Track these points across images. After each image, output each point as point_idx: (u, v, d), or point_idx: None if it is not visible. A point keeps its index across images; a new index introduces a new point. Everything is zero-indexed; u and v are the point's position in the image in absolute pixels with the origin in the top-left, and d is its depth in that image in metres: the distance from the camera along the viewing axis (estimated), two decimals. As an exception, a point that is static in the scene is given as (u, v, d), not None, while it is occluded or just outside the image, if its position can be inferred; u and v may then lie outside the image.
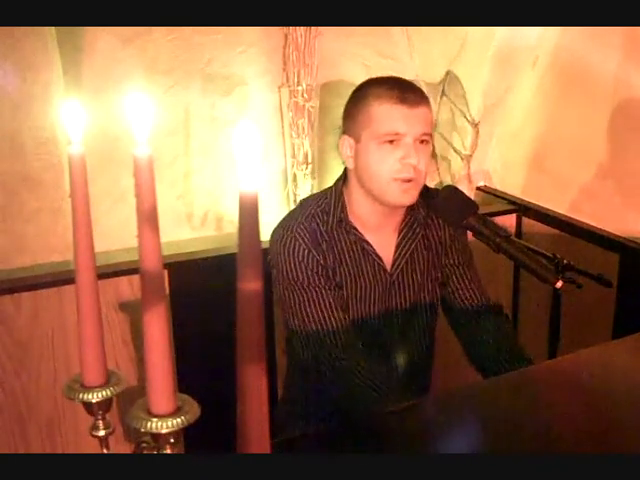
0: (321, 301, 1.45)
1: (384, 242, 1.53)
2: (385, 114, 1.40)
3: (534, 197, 2.32)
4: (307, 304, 1.45)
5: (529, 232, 2.29)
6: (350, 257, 1.50)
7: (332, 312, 1.45)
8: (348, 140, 1.46)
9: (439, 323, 1.66)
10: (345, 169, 1.53)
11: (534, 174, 2.34)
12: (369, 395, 1.37)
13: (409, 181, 1.41)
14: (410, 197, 1.44)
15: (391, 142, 1.40)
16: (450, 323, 1.65)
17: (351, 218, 1.50)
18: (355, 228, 1.50)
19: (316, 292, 1.45)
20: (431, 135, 1.45)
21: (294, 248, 1.45)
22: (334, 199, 1.50)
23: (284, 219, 1.52)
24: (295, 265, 1.45)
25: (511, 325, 1.62)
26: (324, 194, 1.54)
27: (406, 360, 1.60)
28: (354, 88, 1.50)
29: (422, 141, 1.42)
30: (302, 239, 1.45)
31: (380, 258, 1.52)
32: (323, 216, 1.49)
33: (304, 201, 1.58)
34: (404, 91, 1.40)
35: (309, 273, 1.45)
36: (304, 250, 1.45)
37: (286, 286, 1.47)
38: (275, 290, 1.52)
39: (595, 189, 2.10)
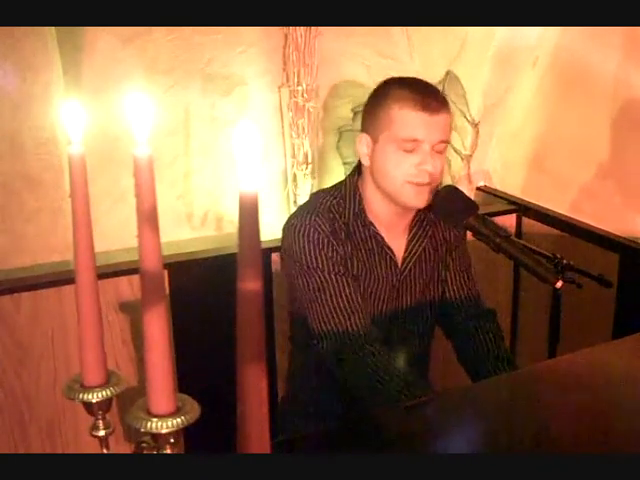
0: (341, 288, 1.44)
1: (396, 239, 1.54)
2: (405, 119, 1.40)
3: (534, 197, 2.32)
4: (326, 291, 1.44)
5: (529, 232, 2.29)
6: (365, 250, 1.50)
7: (352, 299, 1.45)
8: (366, 138, 1.47)
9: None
10: (359, 164, 1.53)
11: (534, 174, 2.34)
12: (392, 383, 1.36)
13: (424, 185, 1.42)
14: (424, 200, 1.45)
15: (409, 147, 1.40)
16: (442, 324, 1.66)
17: (367, 212, 1.51)
18: (371, 222, 1.51)
19: (336, 279, 1.45)
20: (448, 141, 1.45)
21: (314, 236, 1.45)
22: (349, 193, 1.51)
23: (299, 210, 1.52)
24: (315, 253, 1.44)
25: (501, 332, 1.63)
26: (337, 188, 1.54)
27: (406, 358, 1.60)
28: (375, 86, 1.50)
29: (439, 147, 1.42)
30: (321, 228, 1.45)
31: (393, 252, 1.53)
32: (339, 208, 1.49)
33: (316, 194, 1.58)
34: (426, 96, 1.40)
35: (329, 261, 1.45)
36: (324, 239, 1.45)
37: (304, 274, 1.46)
38: (288, 281, 1.52)
39: (595, 189, 2.10)
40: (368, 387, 1.40)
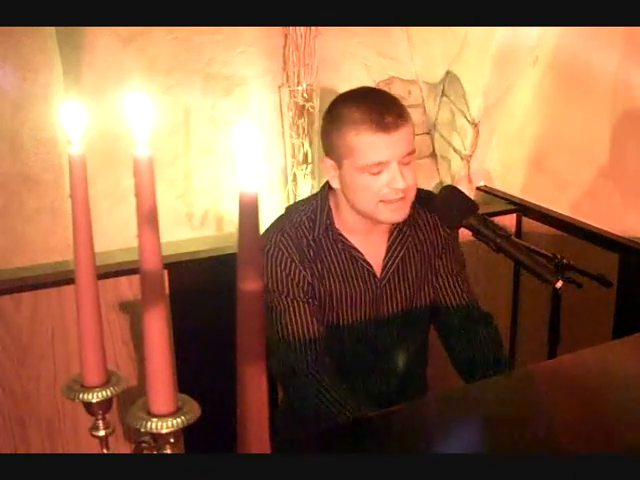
0: (298, 314, 1.44)
1: (373, 247, 1.51)
2: (365, 145, 1.34)
3: (534, 197, 2.31)
4: (284, 315, 1.44)
5: (529, 232, 2.29)
6: (338, 264, 1.48)
7: (307, 326, 1.44)
8: (330, 162, 1.42)
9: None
10: None
11: (534, 174, 2.34)
12: (327, 413, 1.37)
13: (398, 201, 1.39)
14: (401, 214, 1.42)
15: (375, 170, 1.36)
16: (436, 328, 1.64)
17: (338, 225, 1.48)
18: (342, 235, 1.48)
19: (295, 303, 1.44)
20: (414, 150, 1.40)
21: (278, 258, 1.44)
22: (320, 206, 1.48)
23: (270, 227, 1.50)
24: (278, 275, 1.44)
25: (499, 335, 1.61)
26: (310, 201, 1.52)
27: (402, 363, 1.60)
28: (329, 104, 1.44)
29: (406, 160, 1.38)
30: (287, 250, 1.44)
31: (369, 264, 1.50)
32: (309, 224, 1.47)
33: (290, 208, 1.56)
34: (382, 115, 1.33)
35: (291, 285, 1.44)
36: (287, 260, 1.44)
37: (268, 295, 1.46)
38: None
39: (595, 189, 2.10)
40: (311, 411, 1.41)
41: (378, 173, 1.36)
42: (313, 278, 1.46)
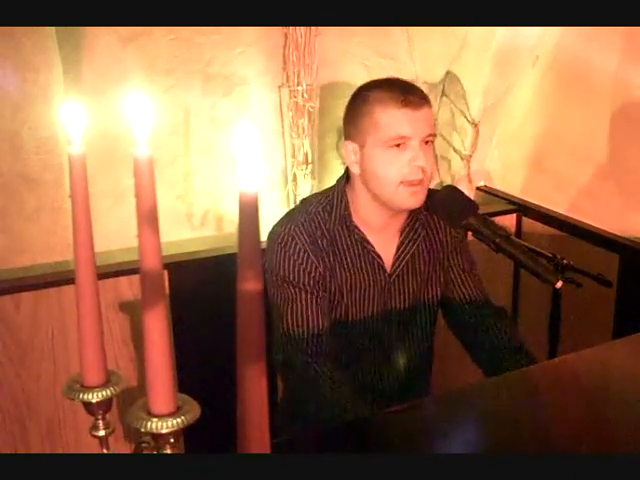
0: (307, 305, 1.45)
1: (385, 243, 1.53)
2: (390, 119, 1.39)
3: (534, 197, 2.32)
4: (293, 304, 1.45)
5: (529, 232, 2.29)
6: (350, 256, 1.50)
7: (315, 317, 1.45)
8: (352, 145, 1.45)
9: (438, 324, 1.66)
10: (347, 169, 1.52)
11: (534, 174, 2.34)
12: (332, 407, 1.37)
13: (418, 184, 1.41)
14: (418, 200, 1.44)
15: (398, 146, 1.39)
16: (453, 327, 1.65)
17: (354, 217, 1.50)
18: (357, 227, 1.50)
19: (304, 295, 1.45)
20: (435, 135, 1.45)
21: (292, 248, 1.45)
22: (337, 198, 1.50)
23: (284, 218, 1.51)
24: (291, 264, 1.45)
25: (516, 327, 1.62)
26: (326, 193, 1.54)
27: (406, 360, 1.60)
28: (353, 92, 1.49)
29: (427, 142, 1.42)
30: (301, 240, 1.45)
31: (380, 257, 1.52)
32: (325, 214, 1.49)
33: (305, 200, 1.58)
34: (407, 93, 1.40)
35: (302, 274, 1.45)
36: (301, 251, 1.45)
37: (277, 284, 1.46)
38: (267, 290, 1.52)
39: (595, 189, 2.10)
40: (313, 400, 1.41)
41: (400, 148, 1.40)
42: (325, 269, 1.47)
